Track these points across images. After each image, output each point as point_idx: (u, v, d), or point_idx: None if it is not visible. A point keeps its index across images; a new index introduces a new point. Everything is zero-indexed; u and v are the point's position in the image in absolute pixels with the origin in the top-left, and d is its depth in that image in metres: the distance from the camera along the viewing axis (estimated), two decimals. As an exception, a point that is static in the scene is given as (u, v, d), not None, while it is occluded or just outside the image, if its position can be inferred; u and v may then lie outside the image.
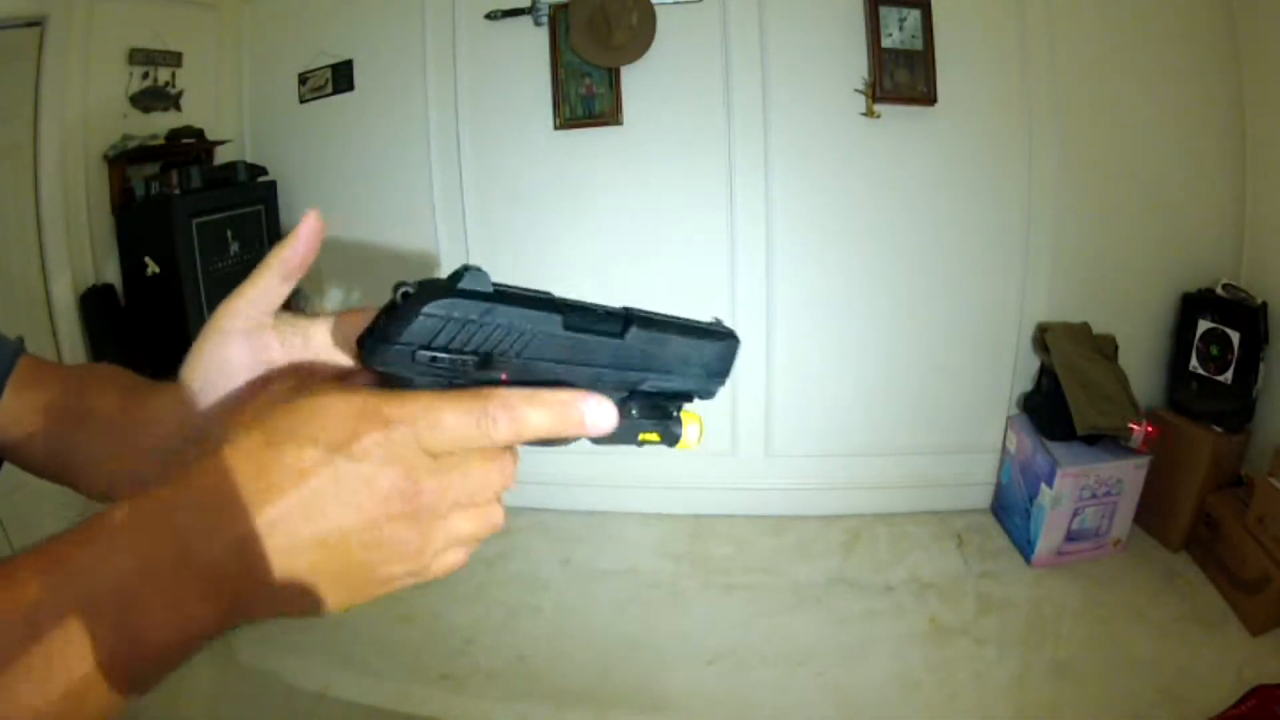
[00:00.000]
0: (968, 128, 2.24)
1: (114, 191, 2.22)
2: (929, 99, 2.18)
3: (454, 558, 0.35)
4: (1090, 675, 1.81)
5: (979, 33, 2.19)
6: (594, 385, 0.38)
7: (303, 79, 2.51)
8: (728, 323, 0.43)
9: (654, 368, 0.40)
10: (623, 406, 0.40)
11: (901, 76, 2.17)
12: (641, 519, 2.53)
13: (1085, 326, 2.28)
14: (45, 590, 0.27)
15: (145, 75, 2.29)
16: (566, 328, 0.36)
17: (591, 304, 0.38)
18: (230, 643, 2.06)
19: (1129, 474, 2.14)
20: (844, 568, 2.28)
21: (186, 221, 2.18)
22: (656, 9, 2.21)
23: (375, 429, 0.31)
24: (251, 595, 0.30)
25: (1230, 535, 2.01)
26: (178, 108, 2.40)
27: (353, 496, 0.30)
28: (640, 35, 2.21)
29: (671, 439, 0.42)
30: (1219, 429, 2.12)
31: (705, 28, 2.25)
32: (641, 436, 0.41)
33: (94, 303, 2.18)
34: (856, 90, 2.22)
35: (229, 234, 2.32)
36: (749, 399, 2.47)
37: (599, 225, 2.41)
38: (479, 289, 0.33)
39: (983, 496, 2.50)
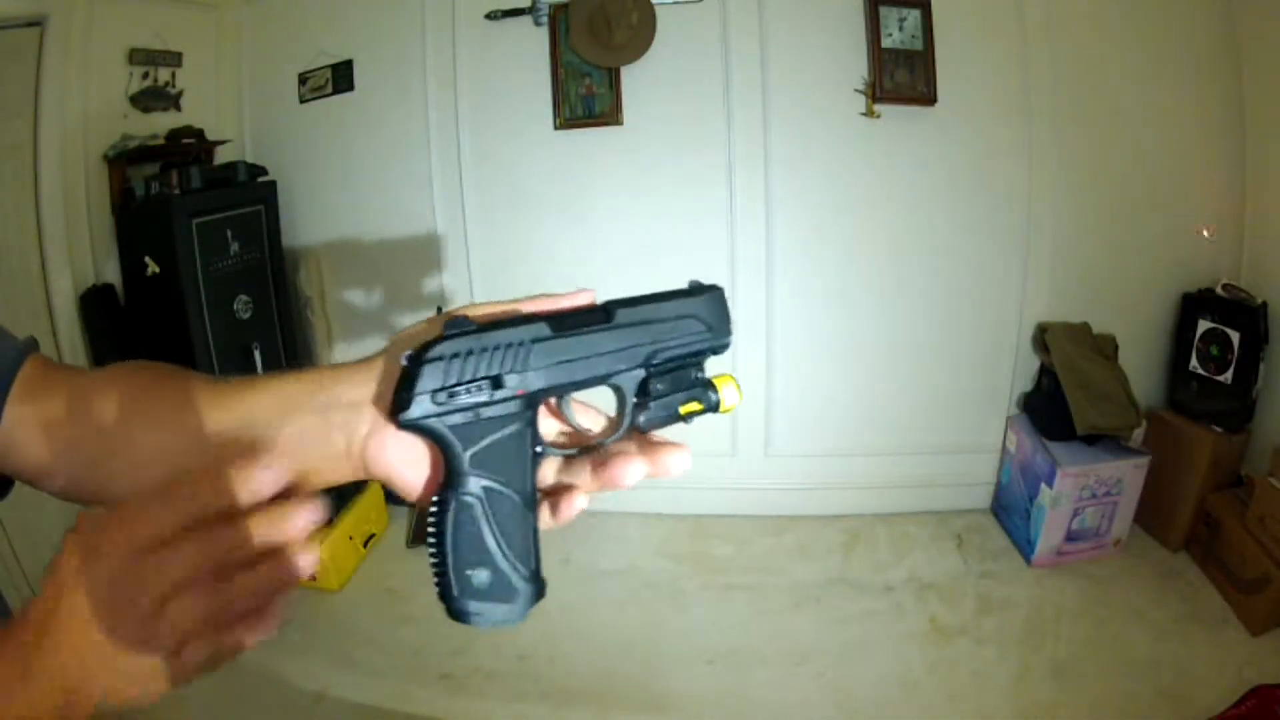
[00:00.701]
0: (968, 128, 2.24)
1: (114, 191, 2.22)
2: (929, 99, 2.18)
3: (194, 653, 0.36)
4: (1090, 675, 1.81)
5: (979, 33, 2.19)
6: (612, 372, 0.41)
7: (303, 79, 2.51)
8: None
9: (656, 339, 0.42)
10: (647, 388, 0.43)
11: (901, 76, 2.17)
12: (641, 519, 2.53)
13: (1085, 326, 2.28)
14: None
15: (145, 75, 2.29)
16: (555, 331, 0.39)
17: (576, 307, 0.41)
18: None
19: (1129, 474, 2.14)
20: (844, 568, 2.28)
21: (186, 221, 2.18)
22: (656, 9, 2.21)
23: (77, 543, 0.34)
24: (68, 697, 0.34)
25: (1230, 535, 2.01)
26: (178, 108, 2.40)
27: (98, 605, 0.34)
28: (640, 35, 2.21)
29: (713, 404, 0.43)
30: (1219, 429, 2.12)
31: (705, 28, 2.25)
32: (683, 410, 0.43)
33: (94, 303, 2.18)
34: (856, 90, 2.22)
35: (229, 234, 2.31)
36: (749, 399, 2.46)
37: (599, 225, 2.41)
38: (464, 328, 0.38)
39: (983, 496, 2.50)
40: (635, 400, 0.42)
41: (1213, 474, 2.13)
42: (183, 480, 0.35)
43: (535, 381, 0.39)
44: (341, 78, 2.47)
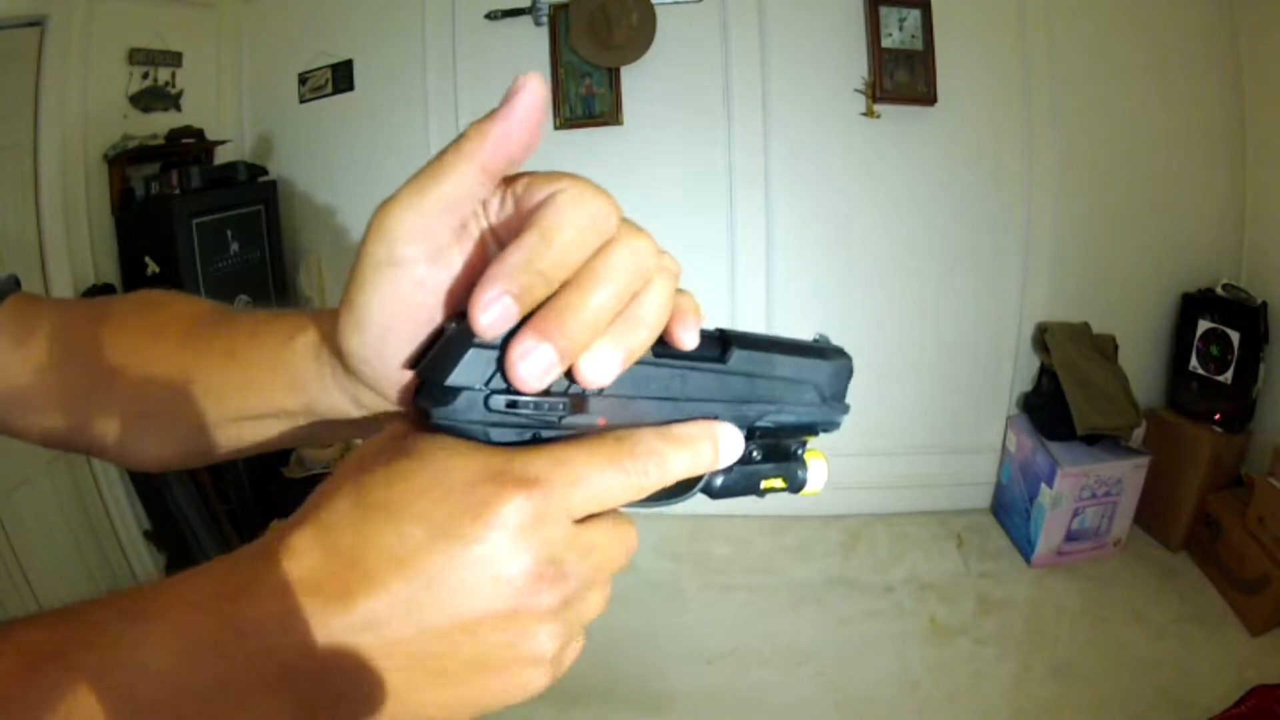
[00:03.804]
0: (968, 128, 2.24)
1: (114, 191, 2.22)
2: (929, 99, 2.18)
3: (577, 649, 0.28)
4: (1090, 675, 1.81)
5: (979, 33, 2.19)
6: None
7: (303, 79, 2.51)
8: (823, 342, 0.39)
9: (765, 398, 0.34)
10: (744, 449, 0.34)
11: (901, 76, 2.17)
12: (641, 519, 2.51)
13: (1085, 326, 2.28)
14: (68, 673, 0.22)
15: (145, 75, 2.29)
16: (658, 354, 0.29)
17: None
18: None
19: (1129, 474, 2.14)
20: (844, 568, 2.28)
21: (186, 221, 2.18)
22: (656, 9, 2.21)
23: (507, 495, 0.24)
24: (330, 702, 0.24)
25: (1230, 535, 2.01)
26: (178, 108, 2.40)
27: (475, 587, 0.24)
28: (640, 35, 2.21)
29: (797, 484, 0.37)
30: (1219, 429, 2.12)
31: (705, 28, 2.25)
32: (764, 484, 0.35)
33: (94, 303, 2.18)
34: (856, 90, 2.21)
35: (229, 234, 2.31)
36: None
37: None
38: None
39: (983, 496, 2.50)
40: None
41: (1213, 474, 2.13)
42: (632, 440, 0.27)
43: (623, 413, 0.29)
44: (341, 78, 2.47)
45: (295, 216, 2.58)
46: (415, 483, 0.24)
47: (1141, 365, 2.32)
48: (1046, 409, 2.24)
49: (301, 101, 2.53)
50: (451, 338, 0.26)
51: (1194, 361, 2.22)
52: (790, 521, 2.49)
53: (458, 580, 0.23)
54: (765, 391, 0.34)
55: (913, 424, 2.48)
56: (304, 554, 0.24)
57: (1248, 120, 2.21)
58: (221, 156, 2.49)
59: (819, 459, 0.37)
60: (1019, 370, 2.41)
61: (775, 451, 0.35)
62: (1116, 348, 2.27)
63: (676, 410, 0.30)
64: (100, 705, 0.21)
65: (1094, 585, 2.12)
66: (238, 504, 2.25)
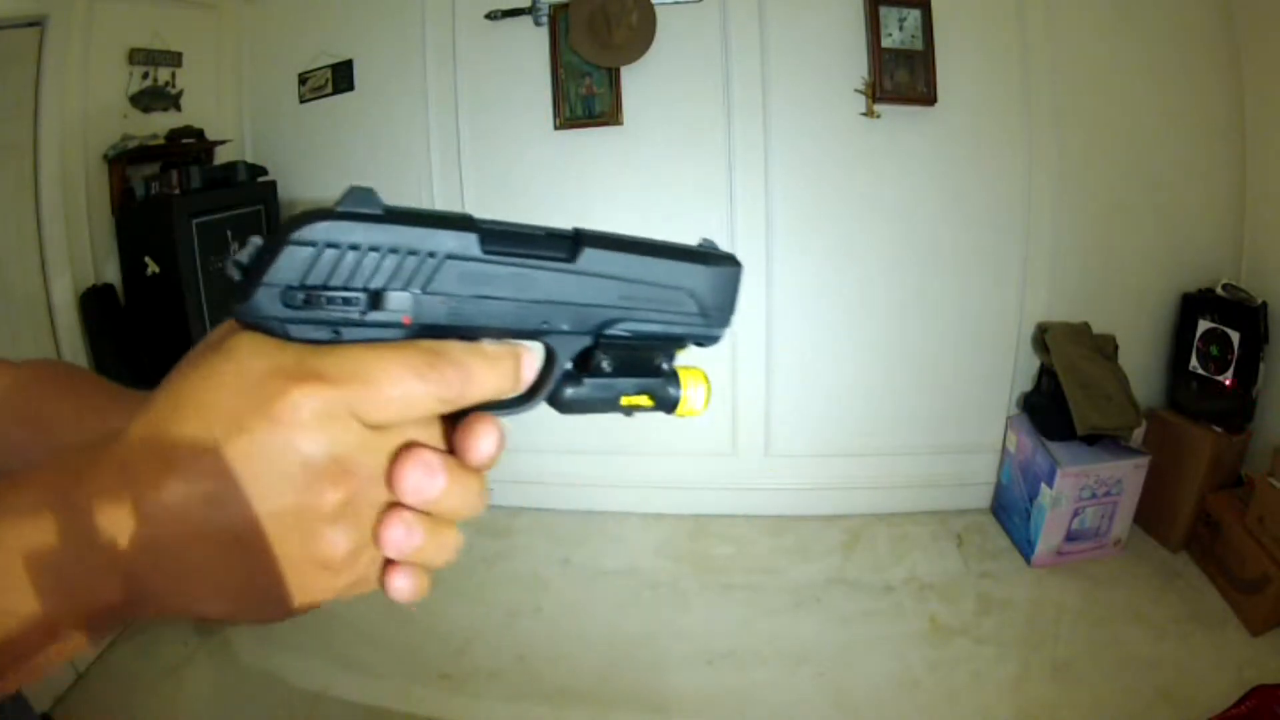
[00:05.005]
0: (968, 128, 2.24)
1: (114, 191, 2.22)
2: (929, 99, 2.18)
3: (404, 580, 0.28)
4: (1090, 675, 1.81)
5: (979, 33, 2.19)
6: (540, 330, 0.30)
7: (303, 79, 2.51)
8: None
9: (625, 305, 0.32)
10: (589, 360, 0.32)
11: (901, 76, 2.17)
12: (641, 519, 2.53)
13: (1085, 326, 2.28)
14: None
15: (145, 75, 2.29)
16: (487, 250, 0.28)
17: (534, 226, 0.30)
18: (230, 642, 2.06)
19: (1129, 474, 2.14)
20: (844, 568, 2.28)
21: (186, 221, 2.18)
22: (656, 9, 2.21)
23: (290, 390, 0.24)
24: (154, 588, 0.25)
25: (1230, 535, 2.01)
26: (178, 108, 2.40)
27: (271, 476, 0.24)
28: (640, 35, 2.21)
29: (668, 403, 0.33)
30: (1219, 429, 2.12)
31: (705, 28, 2.25)
32: (626, 401, 0.33)
33: (94, 303, 2.18)
34: (856, 90, 2.22)
35: (229, 234, 2.32)
36: (749, 399, 2.47)
37: (598, 225, 2.39)
38: (364, 210, 0.26)
39: (983, 496, 2.50)
40: (569, 369, 0.32)
41: (1213, 474, 2.13)
42: (436, 351, 0.27)
43: (433, 312, 0.28)
44: (341, 78, 2.47)
45: (295, 216, 2.58)
46: (220, 380, 0.25)
47: (1141, 365, 2.32)
48: (1046, 409, 2.24)
49: (301, 101, 2.53)
50: (261, 246, 0.26)
51: (1194, 361, 2.22)
52: (790, 521, 2.49)
53: (249, 474, 0.24)
54: (624, 296, 0.31)
55: (913, 424, 2.48)
56: (131, 443, 0.25)
57: (1248, 120, 2.21)
58: (221, 156, 2.49)
59: (699, 381, 0.34)
60: (1019, 370, 2.41)
61: (633, 365, 0.32)
62: (1116, 348, 2.27)
63: (506, 312, 0.29)
64: None
65: (1094, 585, 2.12)
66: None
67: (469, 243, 0.28)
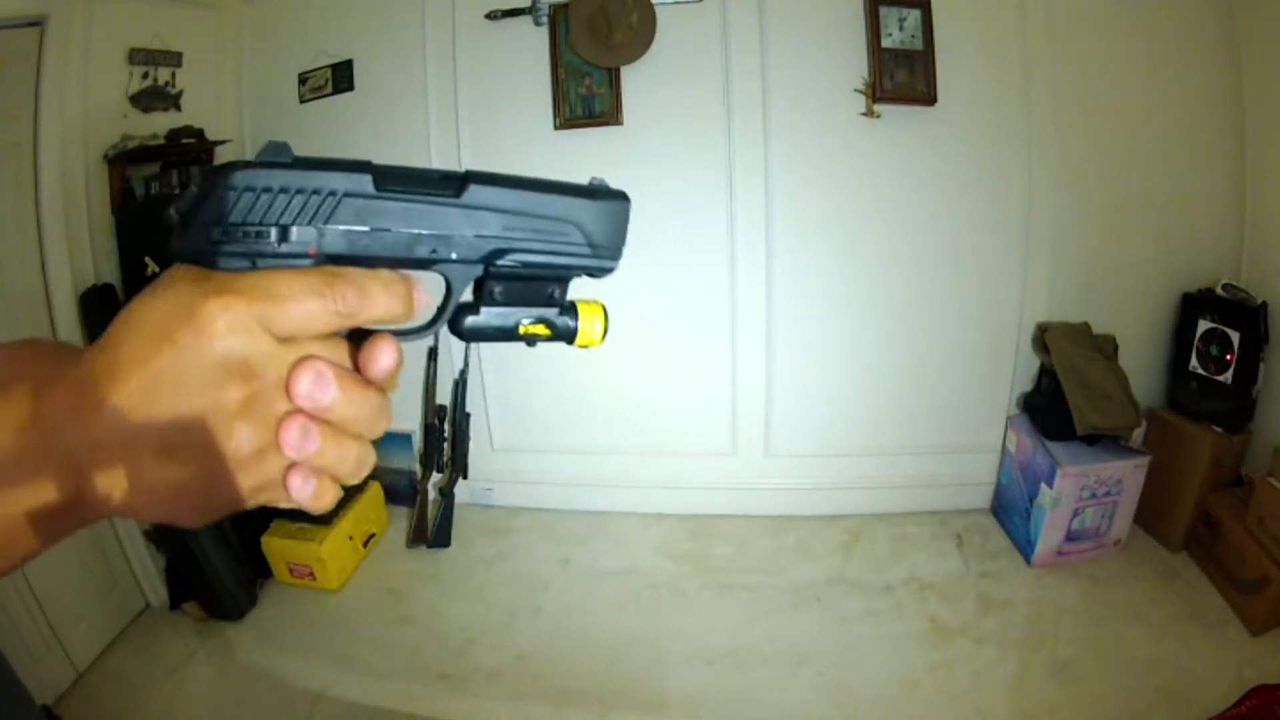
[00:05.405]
0: (968, 128, 2.24)
1: (114, 191, 2.22)
2: (929, 99, 2.18)
3: (300, 480, 0.31)
4: (1090, 675, 1.81)
5: (979, 33, 2.19)
6: (431, 259, 0.34)
7: (303, 79, 2.51)
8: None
9: (508, 236, 0.35)
10: (482, 288, 0.35)
11: (901, 76, 2.17)
12: (641, 519, 2.53)
13: (1085, 326, 2.28)
14: None
15: (145, 75, 2.29)
16: (381, 189, 0.33)
17: (430, 170, 0.34)
18: (230, 642, 2.06)
19: (1129, 474, 2.14)
20: (844, 568, 2.28)
21: (186, 221, 2.18)
22: (656, 9, 2.21)
23: (207, 302, 0.29)
24: (100, 487, 0.30)
25: (1230, 535, 2.01)
26: (178, 108, 2.40)
27: (194, 379, 0.29)
28: (640, 35, 2.21)
29: (565, 333, 0.36)
30: (1219, 429, 2.12)
31: (705, 28, 2.25)
32: (524, 329, 0.36)
33: (94, 303, 2.18)
34: (856, 90, 2.22)
35: (229, 234, 2.31)
36: (749, 399, 2.47)
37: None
38: (276, 159, 0.31)
39: (983, 496, 2.50)
40: (468, 302, 0.36)
41: (1213, 474, 2.13)
42: (334, 273, 0.31)
43: (333, 244, 0.32)
44: (341, 78, 2.47)
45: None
46: (160, 301, 0.29)
47: (1141, 365, 2.32)
48: (1046, 409, 2.24)
49: (301, 101, 2.53)
50: (195, 190, 0.31)
51: (1194, 361, 2.22)
52: (790, 521, 2.49)
53: (175, 377, 0.29)
54: (507, 228, 0.34)
55: (913, 424, 2.48)
56: (93, 359, 0.29)
57: (1248, 120, 2.21)
58: (222, 156, 2.49)
59: (596, 314, 0.37)
60: (1019, 370, 2.41)
61: (527, 295, 0.36)
62: (1116, 348, 2.27)
63: (399, 242, 0.33)
64: None
65: (1094, 585, 2.12)
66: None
67: (363, 182, 0.32)
